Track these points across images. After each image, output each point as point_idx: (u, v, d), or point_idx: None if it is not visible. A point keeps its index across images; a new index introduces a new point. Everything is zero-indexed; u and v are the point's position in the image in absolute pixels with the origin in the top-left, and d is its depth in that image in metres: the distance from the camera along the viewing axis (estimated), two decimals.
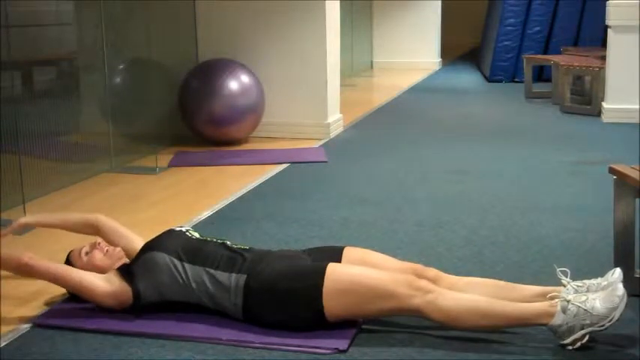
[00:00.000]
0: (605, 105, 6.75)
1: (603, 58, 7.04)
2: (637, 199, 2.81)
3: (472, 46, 14.01)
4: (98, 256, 2.80)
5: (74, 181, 4.74)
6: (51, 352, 2.43)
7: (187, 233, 2.79)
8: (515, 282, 2.67)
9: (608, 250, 3.01)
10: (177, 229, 2.83)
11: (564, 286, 2.50)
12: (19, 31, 4.58)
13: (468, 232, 3.64)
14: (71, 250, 2.88)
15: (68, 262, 2.83)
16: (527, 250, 3.37)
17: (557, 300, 2.39)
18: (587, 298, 2.36)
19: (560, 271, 2.55)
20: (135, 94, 5.58)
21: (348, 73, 10.12)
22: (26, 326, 2.62)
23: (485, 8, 12.12)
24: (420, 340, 2.47)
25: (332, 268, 2.50)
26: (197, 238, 2.76)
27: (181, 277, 2.60)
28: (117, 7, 5.38)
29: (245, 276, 2.55)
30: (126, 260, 2.83)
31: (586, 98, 7.47)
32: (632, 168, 2.83)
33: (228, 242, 2.75)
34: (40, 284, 2.94)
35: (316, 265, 2.56)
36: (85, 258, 2.80)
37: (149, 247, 2.71)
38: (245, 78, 5.73)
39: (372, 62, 12.31)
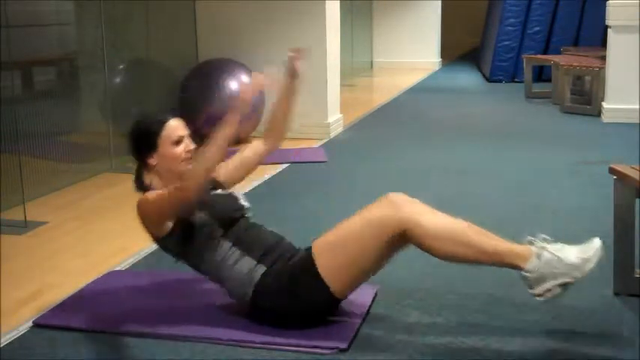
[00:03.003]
0: (605, 105, 6.75)
1: (603, 58, 7.04)
2: (637, 199, 2.81)
3: (472, 46, 14.01)
4: (178, 153, 2.64)
5: (74, 181, 4.74)
6: (51, 352, 2.42)
7: (244, 211, 2.71)
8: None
9: (608, 250, 3.00)
10: (242, 202, 2.73)
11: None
12: (19, 31, 4.58)
13: None
14: (171, 120, 2.68)
15: (157, 131, 2.64)
16: None
17: (533, 245, 2.38)
18: (563, 248, 2.37)
19: (537, 236, 2.49)
20: (135, 94, 5.58)
21: (348, 73, 10.13)
22: (26, 326, 2.62)
23: (485, 8, 12.12)
24: (420, 341, 2.47)
25: (315, 243, 2.51)
26: (248, 220, 2.69)
27: (214, 251, 2.56)
28: (117, 7, 5.38)
29: (265, 268, 2.53)
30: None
31: (586, 98, 7.47)
32: (632, 168, 2.83)
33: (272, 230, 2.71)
34: (39, 284, 2.95)
35: (303, 252, 2.58)
36: (175, 146, 2.63)
37: (208, 205, 2.60)
38: (245, 78, 5.73)
39: (372, 62, 12.32)
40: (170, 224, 2.57)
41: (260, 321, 2.54)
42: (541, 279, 2.33)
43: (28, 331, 2.59)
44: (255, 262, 2.54)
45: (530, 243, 2.41)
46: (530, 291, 2.36)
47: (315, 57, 6.01)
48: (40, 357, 2.40)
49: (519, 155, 5.40)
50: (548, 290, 2.33)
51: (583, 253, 2.35)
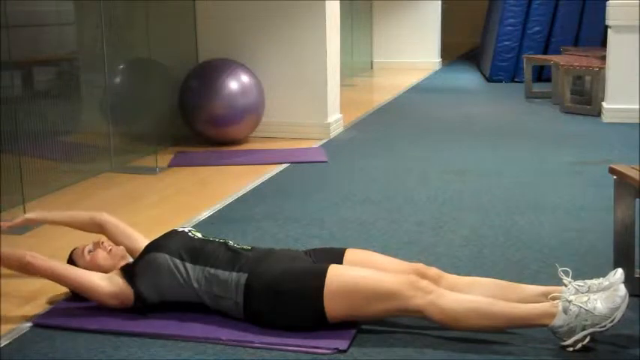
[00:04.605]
0: (605, 105, 6.75)
1: (603, 58, 7.04)
2: (637, 199, 2.81)
3: (472, 46, 14.01)
4: (101, 255, 2.80)
5: (74, 181, 4.74)
6: (51, 352, 2.43)
7: (190, 233, 2.79)
8: (515, 282, 2.67)
9: (608, 250, 3.01)
10: (180, 229, 2.84)
11: (565, 285, 2.50)
12: (19, 31, 4.58)
13: (468, 232, 3.64)
14: (74, 249, 2.88)
15: (71, 260, 2.82)
16: (527, 250, 3.37)
17: (558, 300, 2.39)
18: (589, 299, 2.36)
19: (562, 270, 2.55)
20: (135, 94, 5.58)
21: (348, 73, 10.12)
22: (26, 326, 2.62)
23: (485, 8, 12.12)
24: (420, 340, 2.47)
25: (334, 270, 2.50)
26: (199, 238, 2.76)
27: (182, 278, 2.60)
28: (117, 7, 5.38)
29: (246, 275, 2.55)
30: (129, 259, 2.83)
31: (586, 98, 7.47)
32: (632, 168, 2.83)
33: (230, 242, 2.76)
34: (40, 284, 2.94)
35: (318, 266, 2.56)
36: (87, 257, 2.80)
37: (151, 247, 2.71)
38: (245, 78, 5.73)
39: (372, 62, 12.31)
40: (129, 290, 2.62)
41: (259, 323, 2.54)
42: (571, 332, 2.35)
43: (28, 331, 2.59)
44: (229, 273, 2.57)
45: (554, 298, 2.42)
46: (562, 343, 2.38)
47: (315, 57, 6.02)
48: (40, 357, 2.40)
49: (519, 155, 5.40)
50: (579, 341, 2.35)
51: (611, 303, 2.33)
